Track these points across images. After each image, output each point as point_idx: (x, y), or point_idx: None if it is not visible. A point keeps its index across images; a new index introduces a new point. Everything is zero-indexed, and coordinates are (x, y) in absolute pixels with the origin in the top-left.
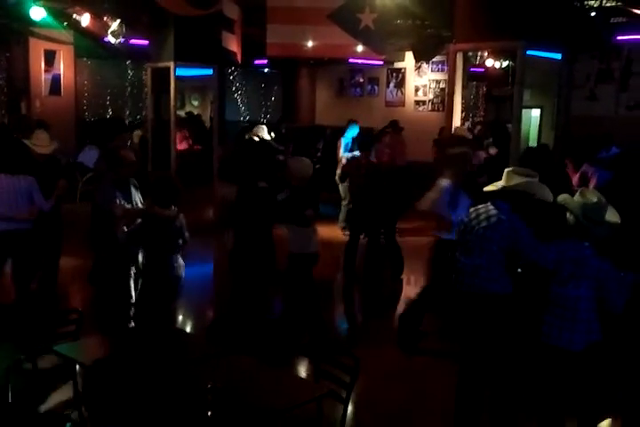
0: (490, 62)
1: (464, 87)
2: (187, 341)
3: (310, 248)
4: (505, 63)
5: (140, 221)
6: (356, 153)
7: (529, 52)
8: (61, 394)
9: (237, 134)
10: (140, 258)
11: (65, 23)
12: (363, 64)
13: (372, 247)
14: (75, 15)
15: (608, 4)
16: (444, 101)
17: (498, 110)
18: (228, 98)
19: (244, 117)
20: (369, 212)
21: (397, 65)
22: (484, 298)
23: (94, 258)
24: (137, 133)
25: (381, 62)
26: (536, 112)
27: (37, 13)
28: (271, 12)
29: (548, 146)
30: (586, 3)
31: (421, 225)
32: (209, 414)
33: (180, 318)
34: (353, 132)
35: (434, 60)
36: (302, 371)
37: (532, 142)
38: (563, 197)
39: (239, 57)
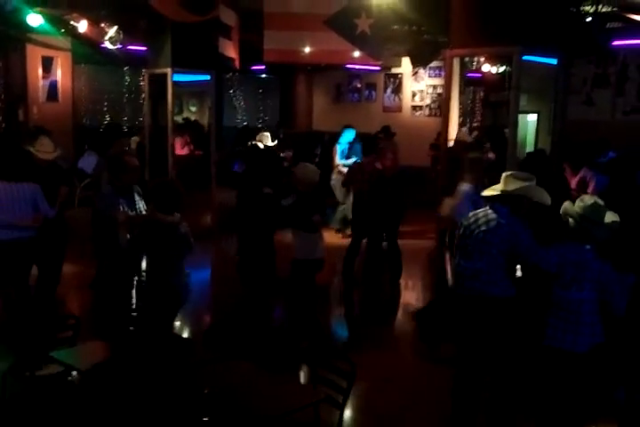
0: (486, 67)
1: (461, 92)
2: (184, 346)
3: (316, 254)
4: (502, 68)
5: (140, 228)
6: (353, 159)
7: (525, 58)
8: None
9: (235, 138)
10: (144, 265)
11: (62, 30)
12: (360, 70)
13: (373, 251)
14: (72, 22)
15: (604, 10)
16: (441, 107)
17: (495, 115)
18: (226, 103)
19: (242, 123)
20: (373, 217)
21: (394, 70)
22: (485, 301)
23: (97, 265)
24: (134, 139)
25: (378, 68)
26: (533, 117)
27: (35, 20)
28: (268, 17)
29: (545, 151)
30: (582, 8)
31: (420, 228)
32: (206, 419)
33: (178, 323)
34: (348, 137)
35: (431, 65)
36: (299, 376)
37: (529, 147)
38: (563, 206)
39: (237, 63)
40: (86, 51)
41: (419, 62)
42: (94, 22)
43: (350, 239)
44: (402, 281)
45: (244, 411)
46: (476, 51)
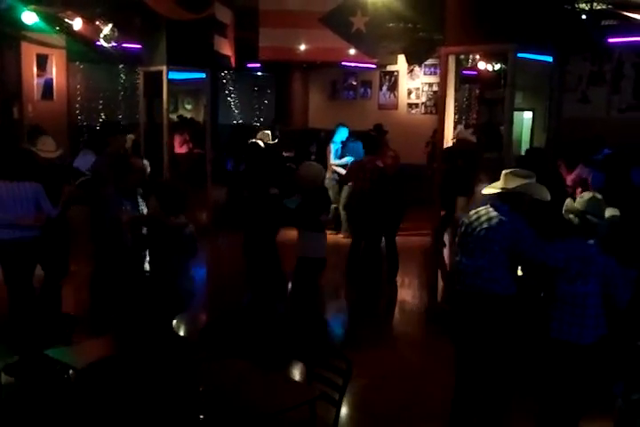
0: (482, 65)
1: (456, 90)
2: (180, 344)
3: (322, 253)
4: (497, 66)
5: (145, 229)
6: (347, 159)
7: (520, 55)
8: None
9: (229, 136)
10: (147, 267)
11: (57, 27)
12: (355, 67)
13: (372, 250)
14: (67, 19)
15: (599, 7)
16: (436, 104)
17: (490, 113)
18: (221, 101)
19: (237, 121)
20: (374, 215)
21: (390, 68)
22: (485, 299)
23: (95, 263)
24: (130, 137)
25: (374, 65)
26: (528, 115)
27: (29, 18)
28: (263, 15)
29: (541, 149)
30: (576, 5)
31: (415, 226)
32: (201, 417)
33: (174, 321)
34: (342, 135)
35: (426, 62)
36: (296, 374)
37: (525, 145)
38: (565, 204)
39: (233, 60)
40: (81, 49)
41: (414, 60)
42: (89, 20)
43: (350, 239)
44: (398, 279)
45: (240, 409)
46: (471, 48)
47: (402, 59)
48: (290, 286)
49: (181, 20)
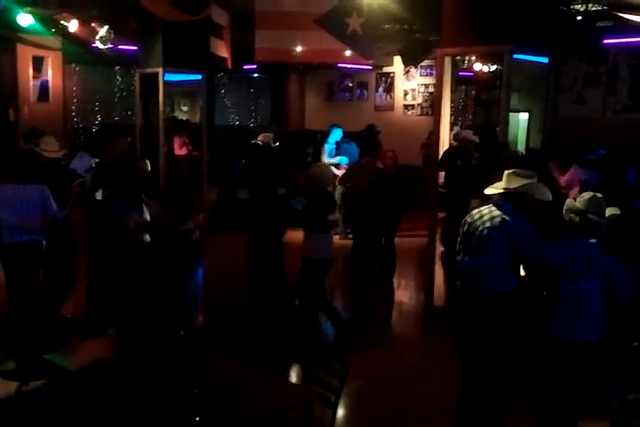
0: (478, 66)
1: (452, 91)
2: (176, 346)
3: (328, 254)
4: (493, 67)
5: (151, 235)
6: (339, 159)
7: (516, 56)
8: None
9: (226, 136)
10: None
11: (53, 29)
12: (352, 69)
13: (370, 251)
14: (63, 21)
15: (594, 9)
16: (432, 105)
17: (486, 114)
18: (218, 103)
19: (234, 122)
20: (374, 216)
21: (386, 69)
22: (485, 297)
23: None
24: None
25: (370, 67)
26: (524, 116)
27: (25, 20)
28: (259, 17)
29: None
30: (572, 7)
31: (412, 226)
32: (197, 419)
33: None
34: (336, 136)
35: (422, 64)
36: (292, 376)
37: (521, 146)
38: (566, 204)
39: (229, 62)
40: (77, 50)
41: (410, 61)
42: (85, 22)
43: (346, 240)
44: (395, 280)
45: (236, 411)
46: (466, 49)
47: (398, 60)
48: (294, 287)
49: (177, 21)
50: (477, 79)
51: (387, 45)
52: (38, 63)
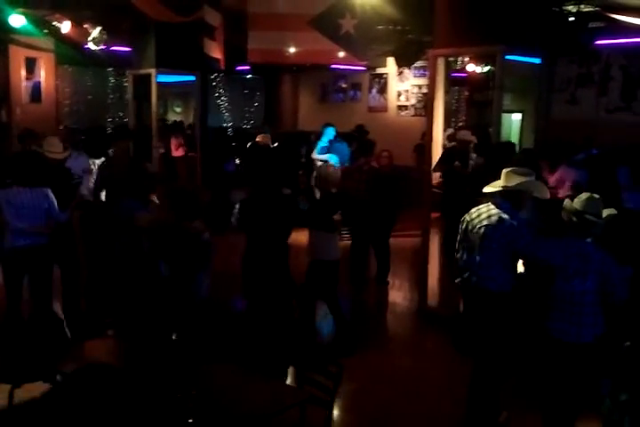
0: (471, 67)
1: (446, 92)
2: (169, 348)
3: (337, 254)
4: (486, 68)
5: (162, 234)
6: (328, 156)
7: (508, 57)
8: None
9: (218, 138)
10: (164, 272)
11: (45, 30)
12: (345, 70)
13: (367, 251)
14: (55, 22)
15: (586, 10)
16: (426, 106)
17: (480, 115)
18: (211, 104)
19: (227, 123)
20: (369, 216)
21: (380, 70)
22: (480, 294)
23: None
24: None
25: (364, 68)
26: (517, 116)
27: (17, 21)
28: (252, 18)
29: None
30: (564, 8)
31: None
32: (190, 421)
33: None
34: (329, 135)
35: (416, 65)
36: (287, 378)
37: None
38: (564, 204)
39: (222, 63)
40: (70, 52)
41: (403, 62)
42: (77, 23)
43: (347, 241)
44: (389, 280)
45: (229, 412)
46: (459, 50)
47: (391, 61)
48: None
49: (170, 22)
50: (471, 80)
51: (380, 46)
52: (31, 64)
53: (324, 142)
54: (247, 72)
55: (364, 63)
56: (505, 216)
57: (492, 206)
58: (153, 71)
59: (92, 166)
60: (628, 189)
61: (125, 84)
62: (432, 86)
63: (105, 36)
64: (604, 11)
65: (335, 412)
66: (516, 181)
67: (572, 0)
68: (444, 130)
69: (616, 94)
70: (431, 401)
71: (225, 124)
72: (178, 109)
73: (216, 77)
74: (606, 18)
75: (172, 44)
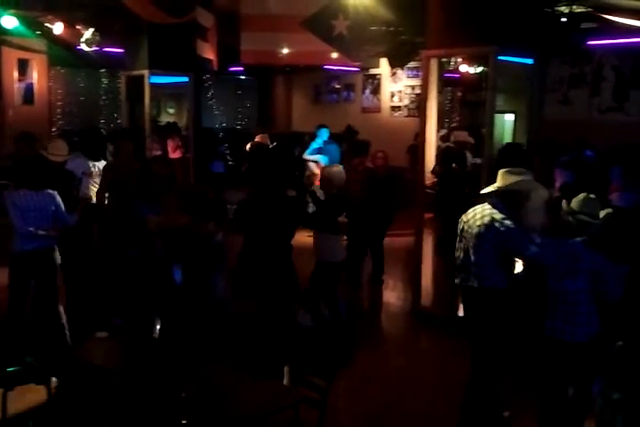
0: (464, 68)
1: (439, 93)
2: (162, 350)
3: (340, 256)
4: (479, 69)
5: (176, 237)
6: (318, 157)
7: (501, 58)
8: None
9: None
10: (177, 275)
11: (38, 32)
12: (338, 70)
13: (363, 251)
14: (47, 24)
15: (578, 10)
16: (419, 107)
17: (473, 115)
18: (204, 105)
19: (221, 124)
20: (365, 217)
21: (373, 71)
22: (477, 292)
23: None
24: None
25: (357, 69)
26: (510, 117)
27: (9, 22)
28: (245, 19)
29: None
30: (556, 8)
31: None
32: (184, 422)
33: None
34: (324, 136)
35: (409, 66)
36: (279, 378)
37: None
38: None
39: (215, 64)
40: (62, 53)
41: (396, 63)
42: (70, 24)
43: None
44: (383, 279)
45: (223, 413)
46: (452, 51)
47: (384, 62)
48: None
49: (163, 23)
50: (463, 81)
51: (373, 47)
52: (23, 66)
53: (316, 144)
54: (240, 73)
55: (357, 64)
56: (497, 216)
57: (488, 206)
58: (146, 72)
59: (92, 168)
60: (621, 188)
61: (118, 86)
62: (425, 87)
63: (97, 38)
64: (596, 11)
65: (328, 412)
66: (510, 180)
67: (565, 1)
68: (437, 130)
69: (608, 95)
70: (425, 401)
71: (215, 126)
72: (171, 111)
73: (209, 78)
74: (598, 18)
75: (164, 46)
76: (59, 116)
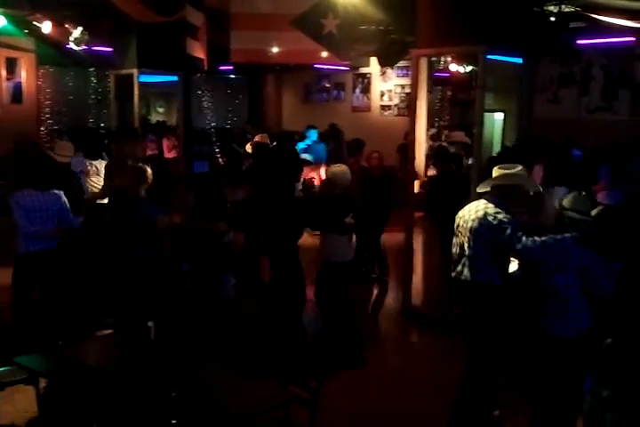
0: (454, 67)
1: (429, 92)
2: (153, 349)
3: (348, 256)
4: (469, 68)
5: (185, 236)
6: (304, 155)
7: (490, 57)
8: (23, 405)
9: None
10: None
11: (26, 30)
12: (328, 69)
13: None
14: (35, 22)
15: (567, 10)
16: (409, 106)
17: (462, 114)
18: (194, 104)
19: (211, 124)
20: (362, 217)
21: (363, 70)
22: (471, 286)
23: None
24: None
25: (347, 68)
26: (500, 116)
27: None
28: (234, 18)
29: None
30: (545, 8)
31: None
32: (173, 422)
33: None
34: (312, 136)
35: (399, 65)
36: (271, 378)
37: (496, 146)
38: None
39: (205, 63)
40: (51, 52)
41: (386, 62)
42: (58, 23)
43: None
44: (386, 280)
45: (213, 413)
46: (441, 50)
47: (374, 61)
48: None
49: (152, 22)
50: (453, 80)
51: (363, 46)
52: (11, 65)
53: (303, 143)
54: (230, 72)
55: (347, 63)
56: (491, 210)
57: (483, 202)
58: (135, 71)
59: (89, 167)
60: (608, 186)
61: (107, 85)
62: (415, 86)
63: (86, 37)
64: (585, 11)
65: (319, 412)
66: (505, 177)
67: (554, 0)
68: (427, 129)
69: (597, 94)
70: (417, 401)
71: (206, 125)
72: (160, 110)
73: (199, 78)
74: (587, 18)
75: (153, 44)
76: (47, 116)
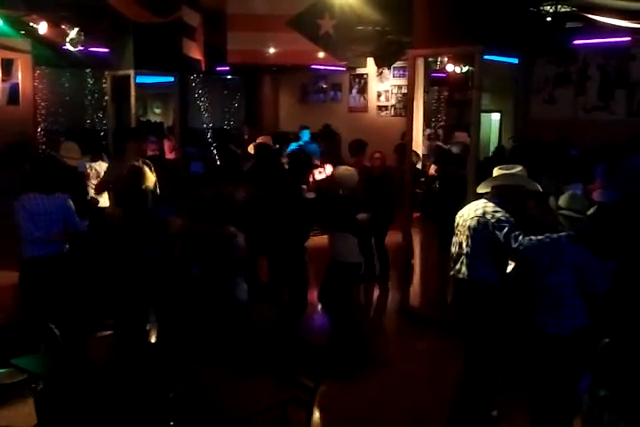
0: (450, 67)
1: (425, 92)
2: (149, 350)
3: (357, 257)
4: (465, 68)
5: (196, 239)
6: None
7: (487, 57)
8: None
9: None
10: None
11: (22, 31)
12: (325, 70)
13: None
14: (32, 23)
15: (563, 10)
16: (406, 107)
17: (459, 115)
18: (191, 105)
19: (208, 124)
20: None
21: (360, 71)
22: (469, 284)
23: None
24: None
25: (343, 68)
26: (496, 116)
27: None
28: (231, 19)
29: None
30: (542, 8)
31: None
32: (171, 423)
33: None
34: (305, 137)
35: (395, 65)
36: (268, 378)
37: (493, 146)
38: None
39: (202, 64)
40: (47, 53)
41: (383, 63)
42: (54, 24)
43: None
44: (372, 280)
45: (211, 414)
46: (438, 51)
47: (371, 61)
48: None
49: (148, 23)
50: (450, 80)
51: (359, 47)
52: (8, 66)
53: (295, 143)
54: (227, 73)
55: (344, 63)
56: (490, 209)
57: (483, 201)
58: (131, 72)
59: (89, 170)
60: (603, 185)
61: (104, 86)
62: (412, 86)
63: (83, 37)
64: (581, 11)
65: (317, 412)
66: (505, 177)
67: (550, 0)
68: (424, 130)
69: (594, 94)
70: (415, 401)
71: (203, 125)
72: (157, 111)
73: (195, 78)
74: (583, 18)
75: (150, 45)
76: (44, 117)
